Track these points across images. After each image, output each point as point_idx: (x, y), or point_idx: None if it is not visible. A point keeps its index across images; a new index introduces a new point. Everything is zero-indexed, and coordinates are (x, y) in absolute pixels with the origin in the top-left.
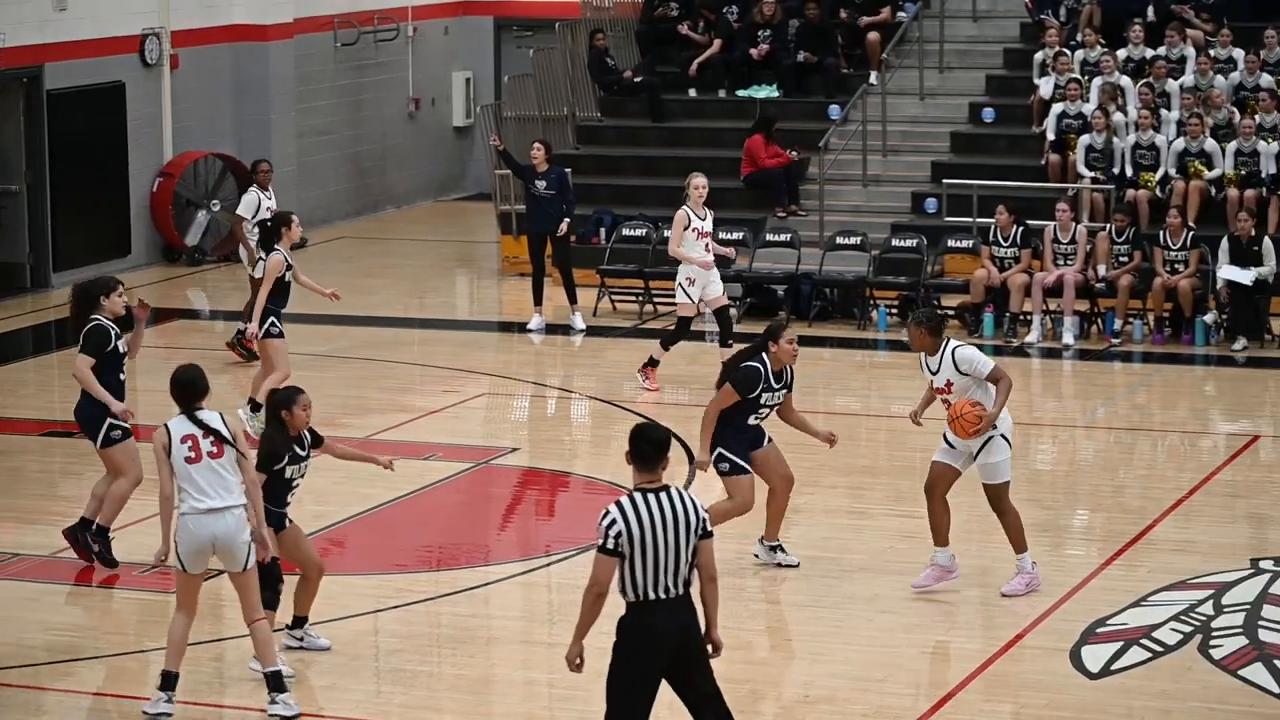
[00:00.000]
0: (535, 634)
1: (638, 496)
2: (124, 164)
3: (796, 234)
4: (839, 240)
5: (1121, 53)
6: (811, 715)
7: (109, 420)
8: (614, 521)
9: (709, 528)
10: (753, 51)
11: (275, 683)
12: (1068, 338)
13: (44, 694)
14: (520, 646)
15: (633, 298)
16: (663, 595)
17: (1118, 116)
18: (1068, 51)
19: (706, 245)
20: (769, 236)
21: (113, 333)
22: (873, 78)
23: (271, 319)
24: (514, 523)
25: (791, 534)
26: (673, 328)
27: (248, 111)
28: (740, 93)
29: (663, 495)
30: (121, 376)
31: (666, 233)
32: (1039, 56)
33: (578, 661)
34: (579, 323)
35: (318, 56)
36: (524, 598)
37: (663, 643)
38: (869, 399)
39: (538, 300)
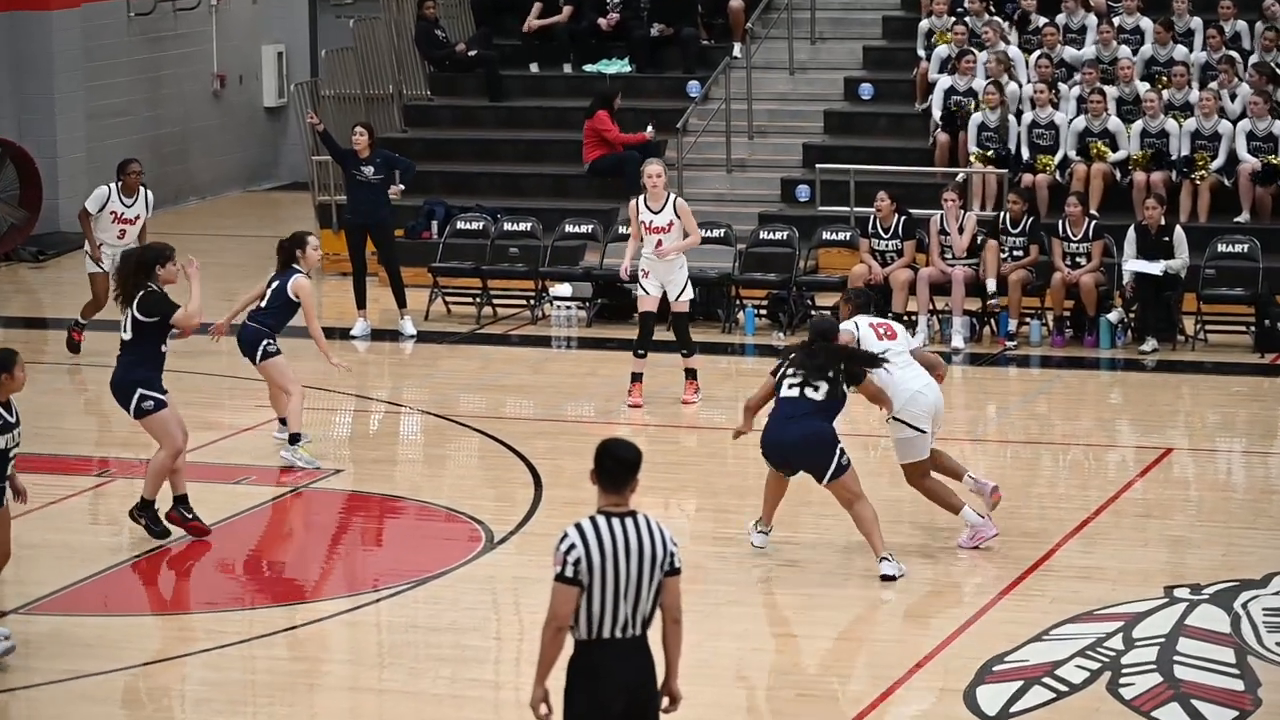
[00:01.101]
0: (363, 679)
1: (600, 520)
2: None
3: None
4: (703, 234)
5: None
6: None
7: (139, 390)
8: (573, 546)
9: (677, 563)
10: (601, 21)
11: None
12: (957, 340)
13: None
14: (347, 694)
15: (469, 299)
16: (619, 634)
17: (1012, 88)
18: (965, 22)
19: (658, 242)
20: (621, 230)
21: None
22: (736, 50)
23: (267, 338)
24: (338, 554)
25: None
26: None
27: (28, 90)
28: (588, 68)
29: (628, 521)
30: (163, 348)
31: (507, 225)
32: (924, 25)
33: (544, 710)
34: (409, 328)
35: (109, 28)
36: (350, 638)
37: (618, 690)
38: (733, 409)
39: (360, 303)
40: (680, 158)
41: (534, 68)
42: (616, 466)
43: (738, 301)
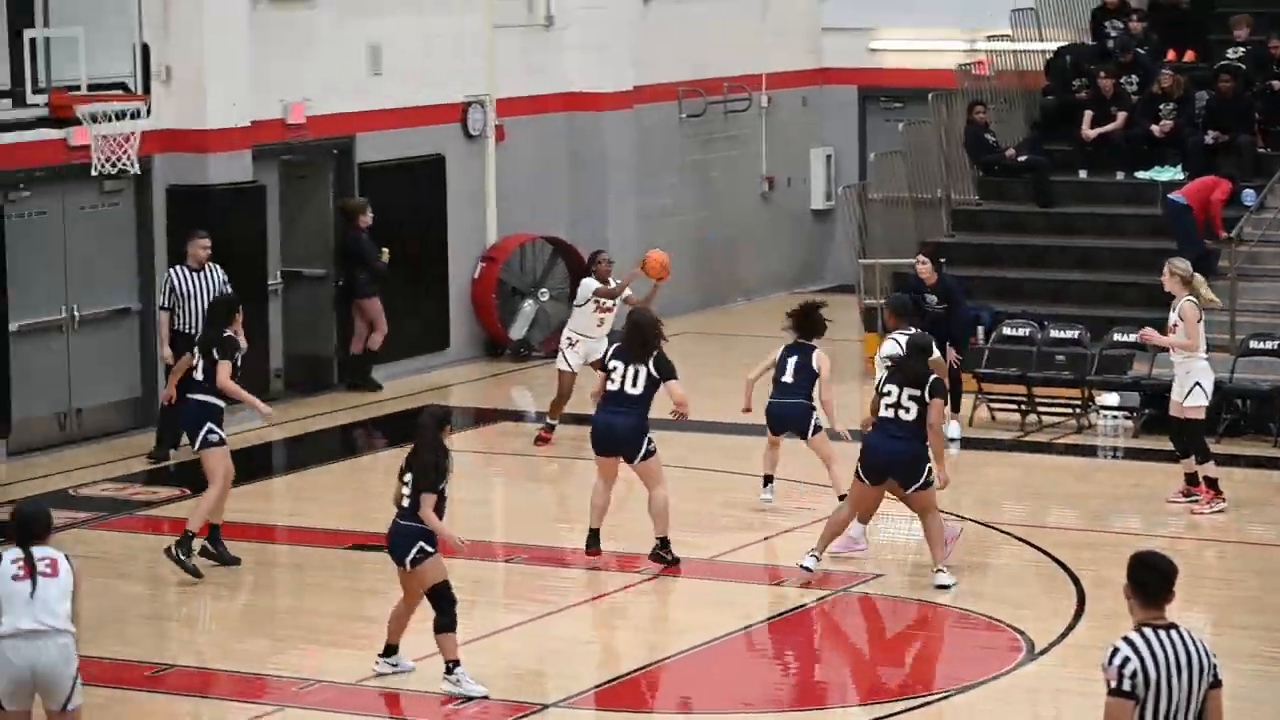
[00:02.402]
0: None
1: (1149, 633)
2: (443, 247)
3: None
4: (1253, 344)
5: None
6: None
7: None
8: (1127, 659)
9: (1220, 675)
10: (1154, 128)
11: None
12: None
13: None
14: None
15: (1014, 406)
16: None
17: None
18: None
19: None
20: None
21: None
22: None
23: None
24: (871, 658)
25: None
26: None
27: (581, 189)
28: (1140, 174)
29: (1173, 633)
30: None
31: (1054, 332)
32: None
33: None
34: (953, 431)
35: (660, 129)
36: None
37: None
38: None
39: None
40: (1233, 266)
41: (1083, 174)
42: (1152, 578)
43: None
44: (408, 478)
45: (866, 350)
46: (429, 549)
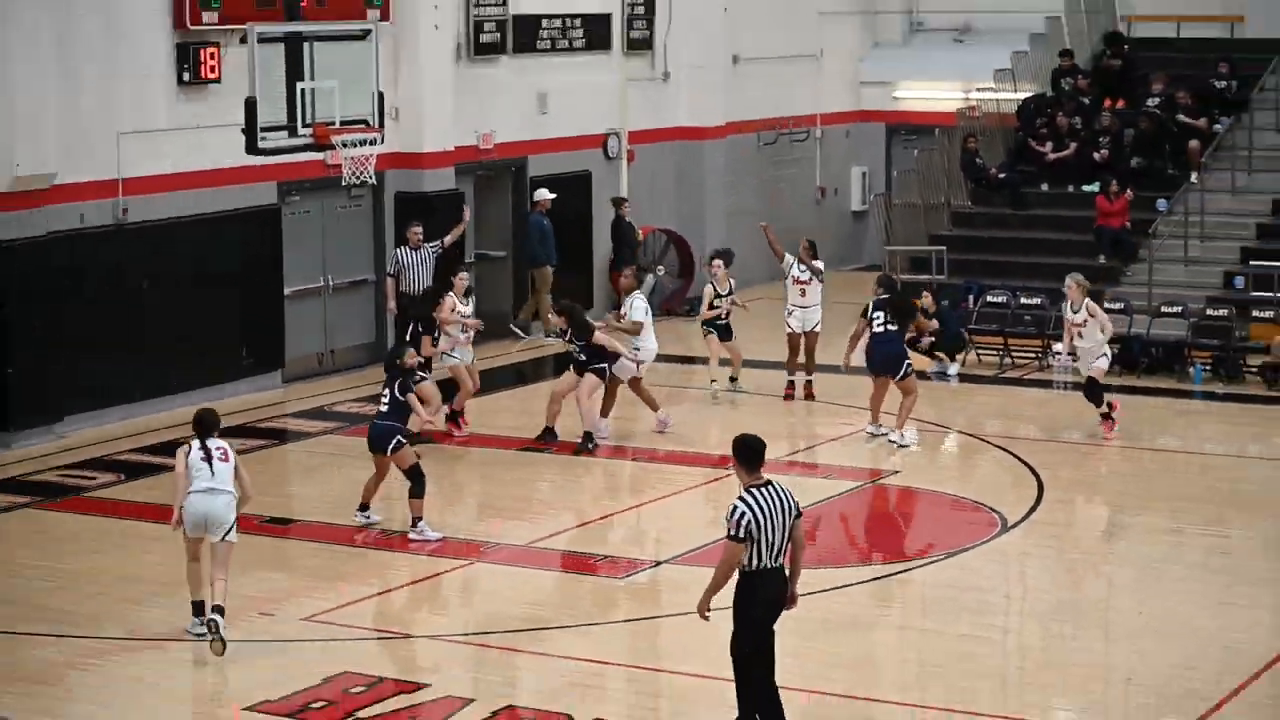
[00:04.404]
0: (910, 621)
1: (755, 491)
2: (589, 237)
3: (1129, 302)
4: (1164, 309)
5: None
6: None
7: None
8: (744, 514)
9: (800, 510)
10: (1095, 155)
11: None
12: None
13: (517, 655)
14: (896, 631)
15: (994, 352)
16: (771, 565)
17: None
18: None
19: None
20: (1107, 305)
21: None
22: (1193, 177)
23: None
24: (890, 530)
25: (1119, 548)
26: None
27: (687, 196)
28: (1085, 188)
29: (768, 489)
30: None
31: (1024, 300)
32: None
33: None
34: (952, 370)
35: (744, 152)
36: (901, 593)
37: (770, 599)
38: (1186, 439)
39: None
40: (1151, 254)
41: (1045, 186)
42: (752, 454)
43: (1190, 360)
44: (384, 392)
45: None
46: (403, 440)
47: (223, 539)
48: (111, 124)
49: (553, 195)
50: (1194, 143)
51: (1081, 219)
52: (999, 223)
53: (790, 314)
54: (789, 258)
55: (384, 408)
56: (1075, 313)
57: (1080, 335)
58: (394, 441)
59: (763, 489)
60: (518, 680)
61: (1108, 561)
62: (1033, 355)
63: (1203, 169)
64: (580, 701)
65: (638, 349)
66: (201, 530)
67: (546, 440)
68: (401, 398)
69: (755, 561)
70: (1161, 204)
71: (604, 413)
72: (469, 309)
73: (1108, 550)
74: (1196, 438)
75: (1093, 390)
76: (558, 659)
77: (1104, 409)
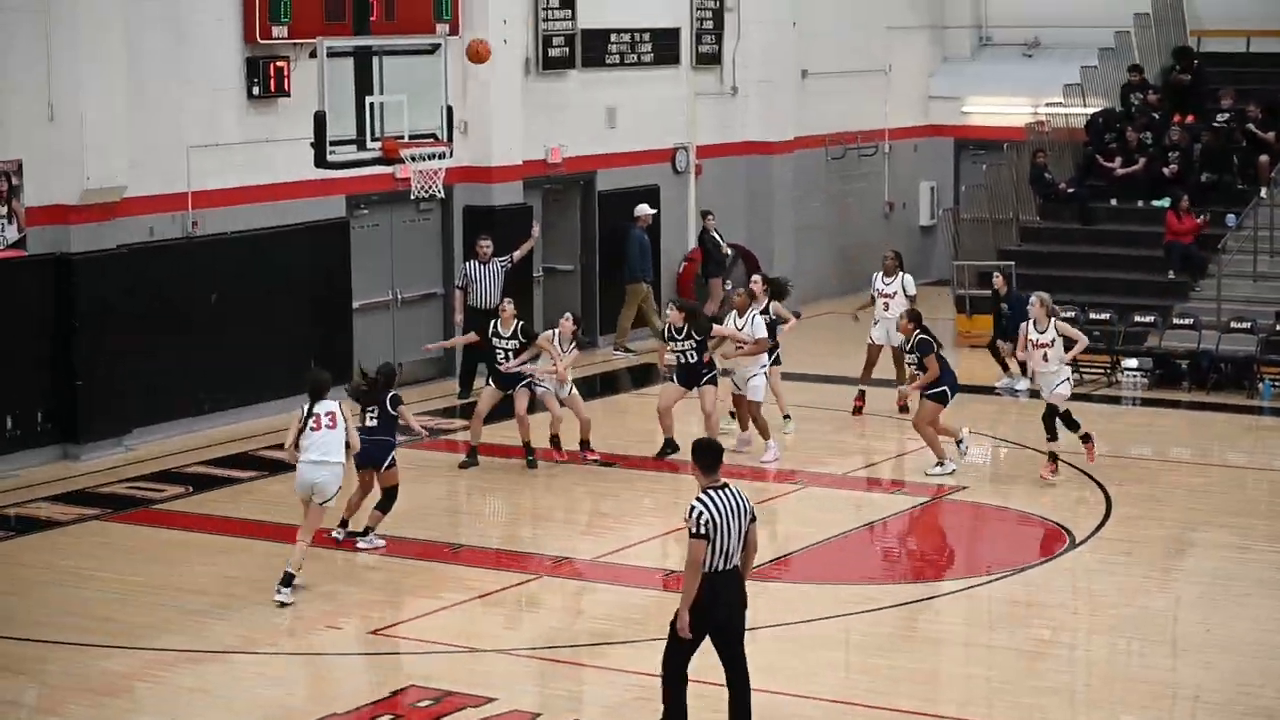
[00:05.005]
0: (975, 637)
1: (712, 493)
2: (657, 251)
3: (1198, 317)
4: (1233, 324)
5: None
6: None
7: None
8: (702, 513)
9: (755, 515)
10: (1165, 170)
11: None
12: None
13: (583, 669)
14: (961, 647)
15: None
16: (726, 567)
17: None
18: None
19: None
20: (1175, 321)
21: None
22: (1263, 192)
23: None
24: (960, 546)
25: (1187, 564)
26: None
27: (756, 210)
28: (1155, 203)
29: (725, 491)
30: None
31: (1092, 315)
32: None
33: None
34: (1022, 385)
35: (812, 167)
36: (967, 609)
37: (726, 601)
38: (1254, 455)
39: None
40: (1220, 270)
41: (1113, 201)
42: (710, 457)
43: (1259, 376)
44: (372, 408)
45: (958, 327)
46: (394, 457)
47: (322, 505)
48: (181, 137)
49: (653, 211)
50: (1264, 157)
51: (1150, 234)
52: (1067, 238)
53: (875, 324)
54: (876, 276)
55: (372, 423)
56: (1041, 333)
57: (1045, 358)
58: (389, 458)
59: (720, 490)
60: (583, 695)
61: (1175, 578)
62: (1101, 370)
63: (1272, 184)
64: (646, 716)
65: (763, 366)
66: (308, 493)
67: (668, 452)
68: (393, 411)
69: (710, 562)
70: (1231, 219)
71: (743, 426)
72: (570, 354)
73: (1175, 566)
74: (1265, 454)
75: (1051, 418)
76: (623, 673)
77: (1082, 433)
